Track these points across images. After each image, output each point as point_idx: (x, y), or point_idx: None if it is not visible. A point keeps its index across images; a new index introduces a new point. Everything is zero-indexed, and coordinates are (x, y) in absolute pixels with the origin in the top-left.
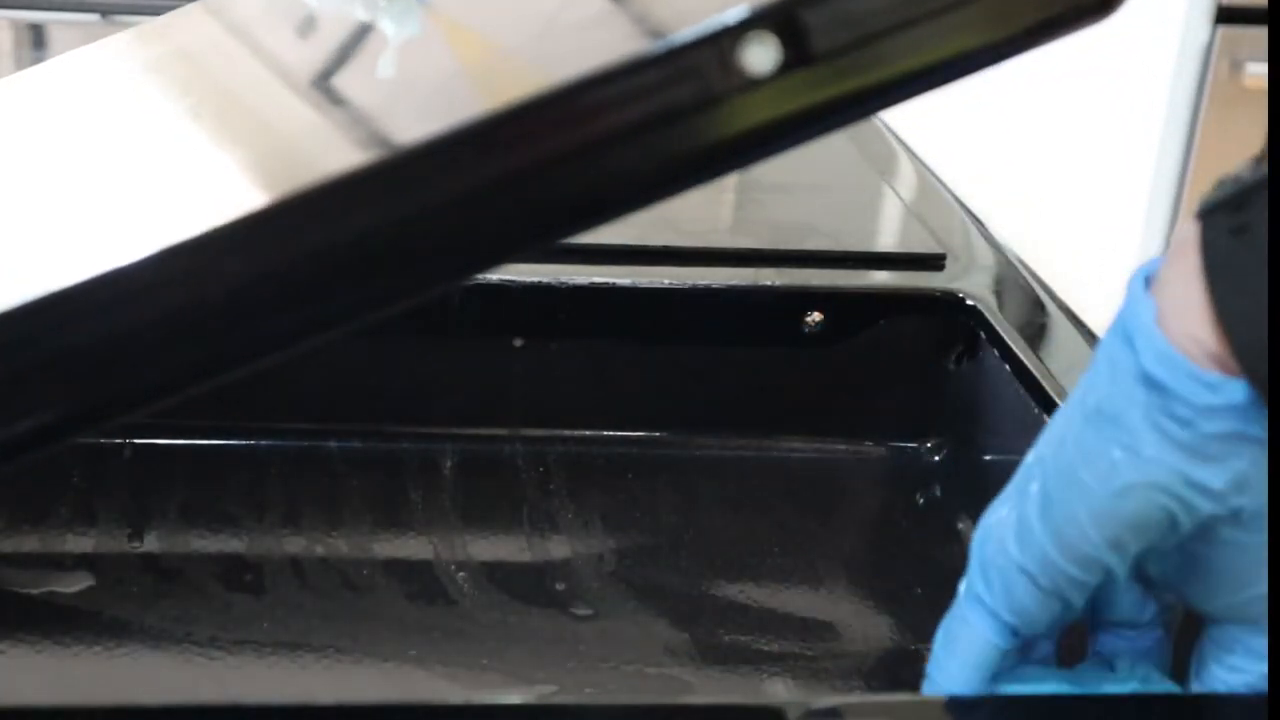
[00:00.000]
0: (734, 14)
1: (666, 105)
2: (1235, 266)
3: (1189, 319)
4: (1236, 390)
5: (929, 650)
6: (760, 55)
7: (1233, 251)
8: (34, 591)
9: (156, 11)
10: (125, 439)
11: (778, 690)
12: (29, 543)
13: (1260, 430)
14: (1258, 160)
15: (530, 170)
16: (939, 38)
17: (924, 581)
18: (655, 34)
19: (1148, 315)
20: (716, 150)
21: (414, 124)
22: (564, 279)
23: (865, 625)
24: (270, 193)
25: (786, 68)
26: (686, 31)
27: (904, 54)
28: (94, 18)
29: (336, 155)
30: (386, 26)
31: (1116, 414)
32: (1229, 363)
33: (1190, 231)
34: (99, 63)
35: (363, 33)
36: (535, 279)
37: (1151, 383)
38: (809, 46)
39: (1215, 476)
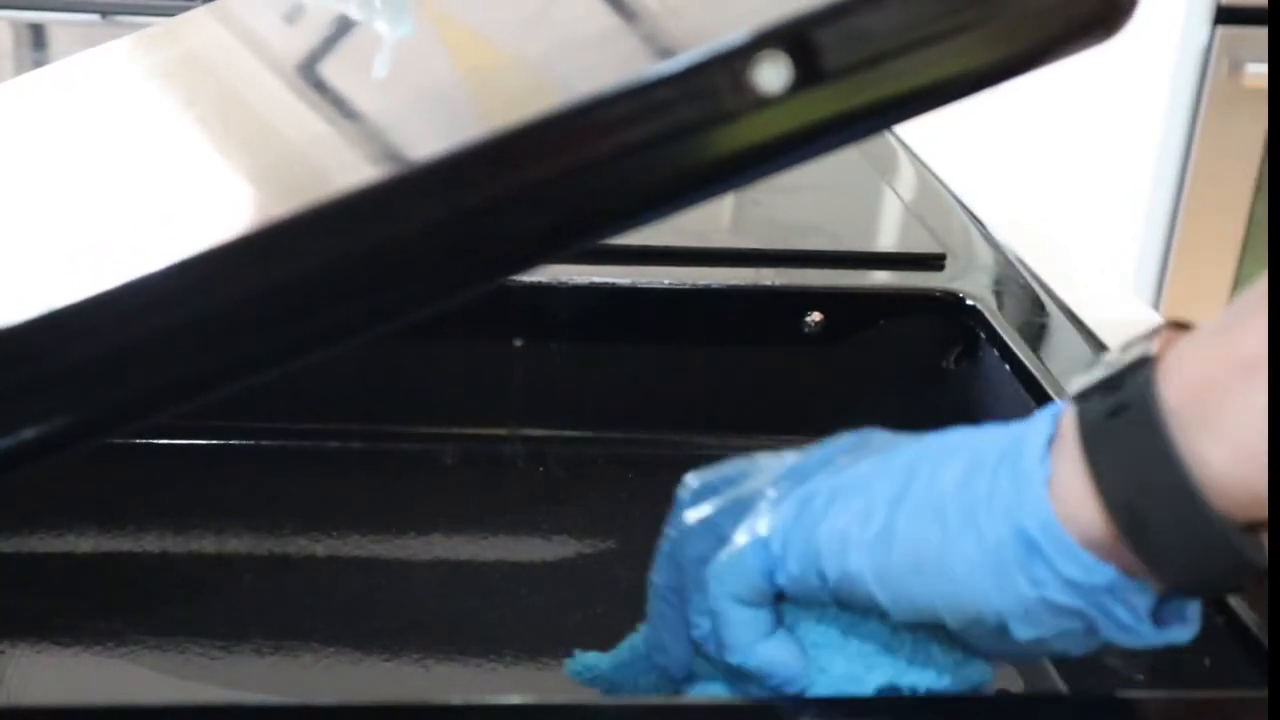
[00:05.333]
0: (746, 34)
1: (680, 123)
2: (1114, 446)
3: (1071, 500)
4: (1104, 574)
5: None
6: (772, 74)
7: (1110, 432)
8: (34, 591)
9: (156, 11)
10: (125, 439)
11: None
12: (30, 543)
13: (1095, 611)
14: (1125, 346)
15: (547, 183)
16: (947, 57)
17: None
18: (668, 53)
19: (1039, 476)
20: (728, 166)
21: (430, 138)
22: (564, 279)
23: None
24: (279, 206)
25: (797, 86)
26: (699, 51)
27: (912, 73)
28: (94, 18)
29: (362, 168)
30: (392, 33)
31: (977, 534)
32: (1104, 543)
33: (1068, 416)
34: (106, 67)
35: (373, 41)
36: (535, 279)
37: (1027, 541)
38: (819, 66)
39: (1026, 633)
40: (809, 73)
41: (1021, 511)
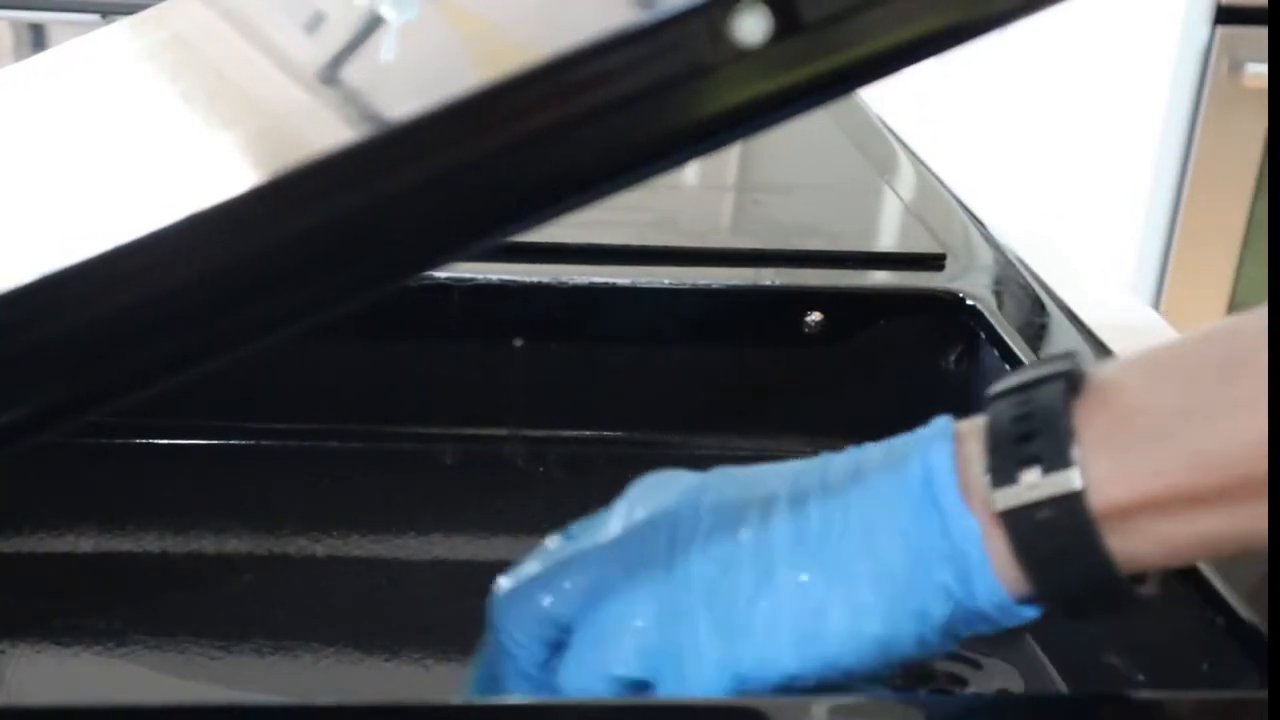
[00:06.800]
0: None
1: (657, 77)
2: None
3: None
4: (1033, 613)
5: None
6: (751, 25)
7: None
8: (34, 591)
9: None
10: (125, 439)
11: None
12: (29, 543)
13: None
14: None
15: (521, 145)
16: (931, 7)
17: None
18: (646, 5)
19: (983, 562)
20: (708, 122)
21: (404, 103)
22: (564, 279)
23: None
24: (261, 175)
25: (778, 38)
26: (677, 2)
27: (896, 22)
28: (94, 18)
29: (329, 136)
30: (380, 7)
31: (912, 608)
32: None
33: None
34: (94, 51)
35: (356, 14)
36: (535, 279)
37: (979, 615)
38: (799, 16)
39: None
40: (789, 23)
41: (979, 602)
